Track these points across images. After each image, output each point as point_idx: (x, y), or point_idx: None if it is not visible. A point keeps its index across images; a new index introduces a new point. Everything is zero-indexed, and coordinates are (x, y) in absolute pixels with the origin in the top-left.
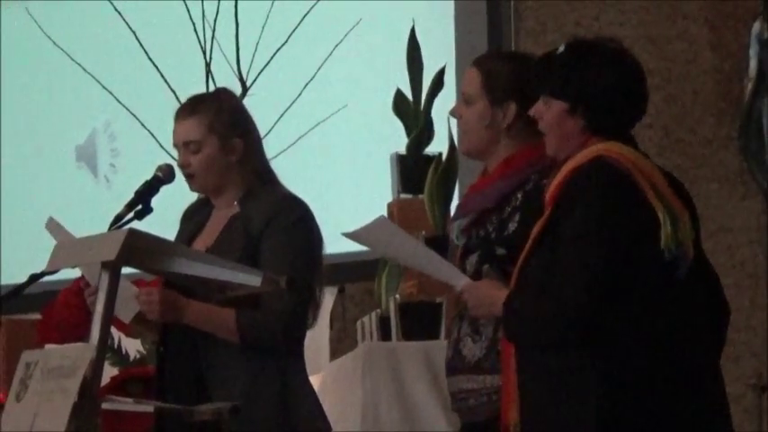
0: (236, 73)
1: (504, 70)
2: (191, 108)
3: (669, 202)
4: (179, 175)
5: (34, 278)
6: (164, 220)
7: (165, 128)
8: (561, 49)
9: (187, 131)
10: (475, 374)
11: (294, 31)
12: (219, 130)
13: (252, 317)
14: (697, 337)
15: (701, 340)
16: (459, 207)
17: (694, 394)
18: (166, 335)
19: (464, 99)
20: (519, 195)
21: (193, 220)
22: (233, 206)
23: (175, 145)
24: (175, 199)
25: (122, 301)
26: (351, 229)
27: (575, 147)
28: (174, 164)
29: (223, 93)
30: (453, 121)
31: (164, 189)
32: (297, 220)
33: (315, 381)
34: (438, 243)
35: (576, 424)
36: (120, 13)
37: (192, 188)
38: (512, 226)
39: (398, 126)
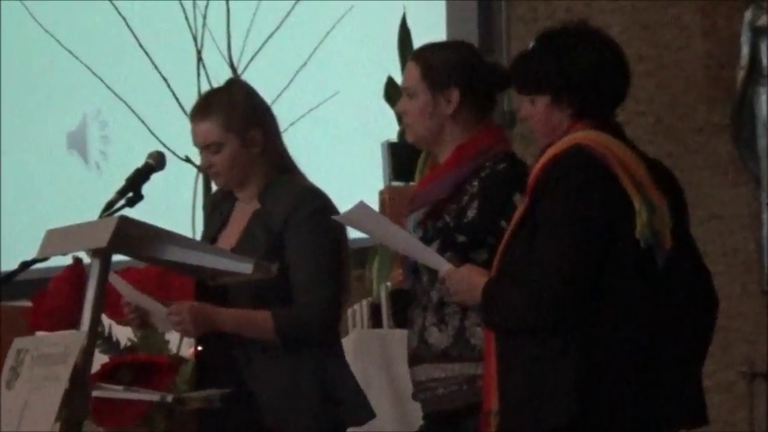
0: (228, 60)
1: (442, 58)
2: (204, 109)
3: (646, 191)
4: (177, 167)
5: (25, 265)
6: (165, 209)
7: (156, 115)
8: (533, 44)
9: (205, 134)
10: (443, 363)
11: (286, 17)
12: (236, 126)
13: (288, 316)
14: (677, 325)
15: (682, 329)
16: (412, 200)
17: (671, 381)
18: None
19: (406, 94)
20: (475, 183)
21: (217, 212)
22: (254, 201)
23: (196, 146)
24: (174, 189)
25: (160, 319)
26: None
27: (561, 136)
28: (165, 151)
29: (234, 85)
30: None
31: (163, 179)
32: (315, 212)
33: None
34: None
35: (554, 410)
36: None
37: (219, 185)
38: (471, 213)
39: (390, 114)
